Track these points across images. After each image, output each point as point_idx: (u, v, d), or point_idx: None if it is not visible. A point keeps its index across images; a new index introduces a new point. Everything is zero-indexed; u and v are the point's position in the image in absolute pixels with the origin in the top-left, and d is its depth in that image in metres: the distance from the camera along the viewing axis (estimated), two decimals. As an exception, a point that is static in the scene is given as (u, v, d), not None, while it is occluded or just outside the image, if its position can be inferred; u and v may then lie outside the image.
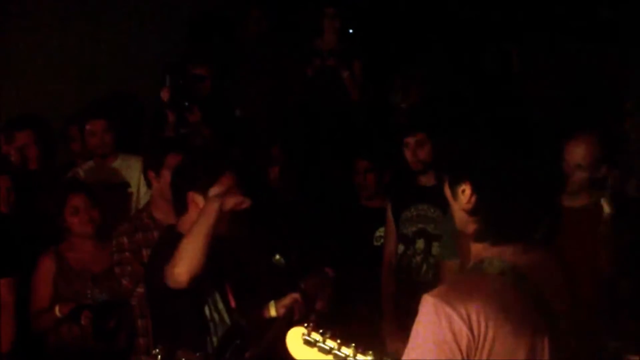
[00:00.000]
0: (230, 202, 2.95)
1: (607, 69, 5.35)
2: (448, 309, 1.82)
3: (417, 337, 1.83)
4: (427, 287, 3.73)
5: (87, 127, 4.66)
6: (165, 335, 2.97)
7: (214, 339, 3.04)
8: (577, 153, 3.46)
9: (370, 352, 1.70)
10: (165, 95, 4.85)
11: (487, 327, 1.82)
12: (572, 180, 3.48)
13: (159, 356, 2.23)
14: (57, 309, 3.78)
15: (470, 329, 1.81)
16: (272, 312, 3.36)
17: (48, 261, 3.93)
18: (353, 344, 1.75)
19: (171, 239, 3.14)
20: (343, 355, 1.75)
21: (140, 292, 3.69)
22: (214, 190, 3.04)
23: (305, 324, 1.85)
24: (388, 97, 5.68)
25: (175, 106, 4.82)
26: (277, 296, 3.44)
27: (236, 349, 3.05)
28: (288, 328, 3.42)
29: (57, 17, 5.35)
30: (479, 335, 1.82)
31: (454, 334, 1.80)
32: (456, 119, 4.62)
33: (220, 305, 3.08)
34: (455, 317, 1.81)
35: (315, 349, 1.80)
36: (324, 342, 1.80)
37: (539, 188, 1.93)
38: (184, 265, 2.83)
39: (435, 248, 4.18)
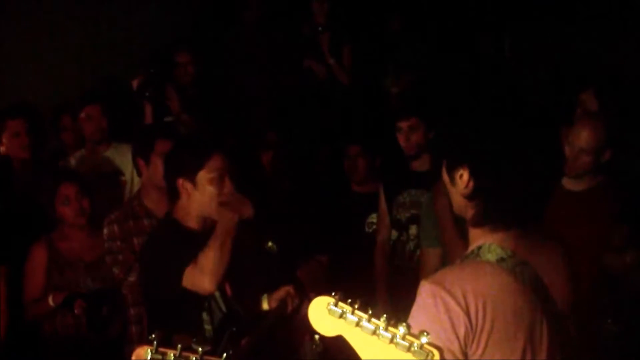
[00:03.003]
0: (247, 213, 3.08)
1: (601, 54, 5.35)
2: (446, 296, 1.81)
3: (414, 324, 1.81)
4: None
5: (84, 112, 4.63)
6: (160, 322, 2.98)
7: (210, 327, 3.05)
8: (582, 137, 3.47)
9: (404, 324, 1.57)
10: (134, 85, 4.84)
11: (485, 314, 1.82)
12: (575, 163, 3.51)
13: (155, 342, 2.22)
14: (50, 298, 3.77)
15: (468, 315, 1.81)
16: (265, 305, 3.37)
17: (40, 250, 3.91)
18: (385, 316, 1.60)
19: (168, 227, 3.18)
20: (373, 327, 1.60)
21: (132, 280, 3.68)
22: (202, 175, 3.05)
23: (333, 293, 1.67)
24: (380, 81, 5.67)
25: (141, 96, 4.80)
26: (270, 283, 3.44)
27: (232, 336, 3.06)
28: (281, 321, 3.45)
29: (49, 7, 5.31)
30: (476, 323, 1.81)
31: (451, 321, 1.80)
32: (449, 103, 4.61)
33: (217, 293, 3.09)
34: (452, 304, 1.80)
35: (342, 321, 1.64)
36: (352, 313, 1.63)
37: (536, 172, 1.92)
38: (211, 276, 2.96)
39: None
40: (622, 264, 3.40)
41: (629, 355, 3.28)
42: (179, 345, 2.21)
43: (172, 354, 2.22)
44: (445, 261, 3.45)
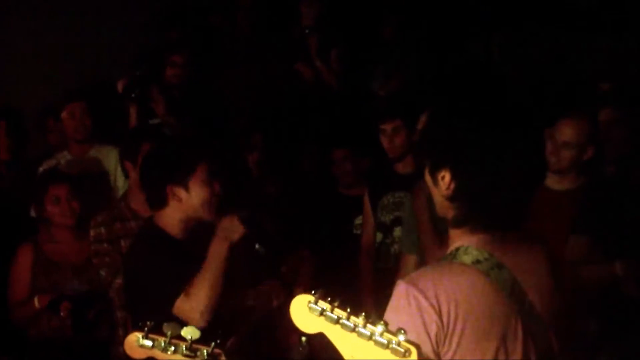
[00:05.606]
0: (236, 235, 3.02)
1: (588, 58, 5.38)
2: (418, 295, 1.82)
3: (388, 322, 1.83)
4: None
5: (66, 110, 4.59)
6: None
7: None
8: (565, 132, 3.48)
9: (382, 322, 1.61)
10: (119, 86, 4.83)
11: (457, 315, 1.83)
12: (558, 158, 3.50)
13: (146, 329, 2.25)
14: (35, 300, 3.76)
15: (440, 316, 1.82)
16: (249, 301, 3.36)
17: (26, 252, 3.90)
18: (363, 314, 1.65)
19: (151, 234, 3.15)
20: (352, 325, 1.64)
21: (119, 282, 3.68)
22: (194, 180, 3.03)
23: (313, 292, 1.72)
24: (368, 84, 5.67)
25: (127, 97, 4.80)
26: (255, 281, 3.45)
27: (219, 339, 3.06)
28: (266, 316, 3.45)
29: (33, 8, 5.30)
30: (448, 324, 1.83)
31: (423, 321, 1.81)
32: (434, 105, 4.60)
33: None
34: (424, 303, 1.82)
35: (322, 318, 1.69)
36: (331, 311, 1.68)
37: (519, 176, 1.92)
38: (203, 314, 2.91)
39: None
40: (599, 277, 3.39)
41: (610, 355, 3.30)
42: (169, 333, 2.24)
43: (162, 341, 2.26)
44: (422, 264, 3.46)
